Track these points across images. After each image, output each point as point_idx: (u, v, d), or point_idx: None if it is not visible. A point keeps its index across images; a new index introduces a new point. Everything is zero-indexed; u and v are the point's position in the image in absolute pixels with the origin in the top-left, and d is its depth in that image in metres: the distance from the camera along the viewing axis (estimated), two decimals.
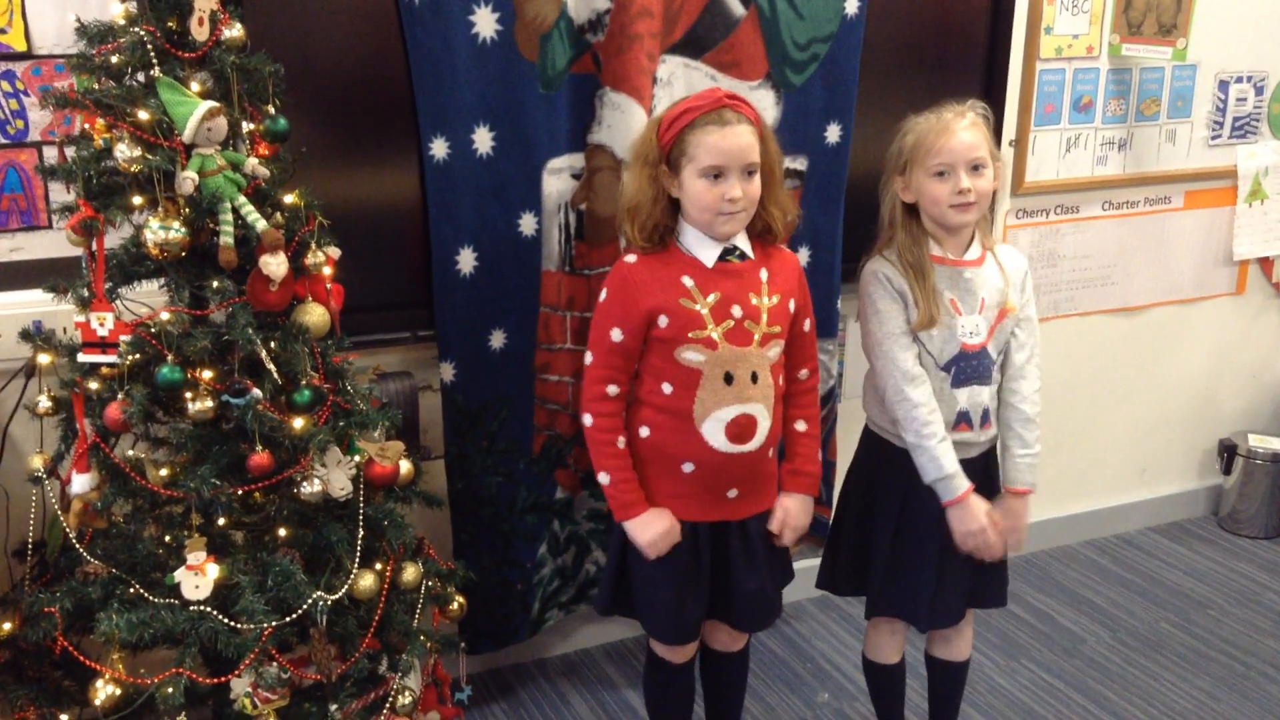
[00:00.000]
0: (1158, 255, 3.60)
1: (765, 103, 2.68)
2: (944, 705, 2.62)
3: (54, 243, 2.29)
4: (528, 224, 2.56)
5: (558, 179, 2.57)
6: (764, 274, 2.20)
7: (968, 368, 2.28)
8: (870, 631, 2.56)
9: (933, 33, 3.05)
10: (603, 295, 2.21)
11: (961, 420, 2.29)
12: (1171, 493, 3.96)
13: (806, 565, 3.18)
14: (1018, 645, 3.18)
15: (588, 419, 2.22)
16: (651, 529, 2.20)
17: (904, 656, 2.56)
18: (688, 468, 2.20)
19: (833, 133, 2.79)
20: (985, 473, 2.40)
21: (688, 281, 2.15)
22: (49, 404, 2.05)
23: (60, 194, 2.20)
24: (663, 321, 2.14)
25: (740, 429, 2.17)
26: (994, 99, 3.15)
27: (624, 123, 2.50)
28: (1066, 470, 3.70)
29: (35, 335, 2.08)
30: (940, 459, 2.26)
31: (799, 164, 2.78)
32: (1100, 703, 2.92)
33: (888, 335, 2.28)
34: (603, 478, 2.22)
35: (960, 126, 2.21)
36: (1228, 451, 3.88)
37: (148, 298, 2.05)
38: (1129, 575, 3.60)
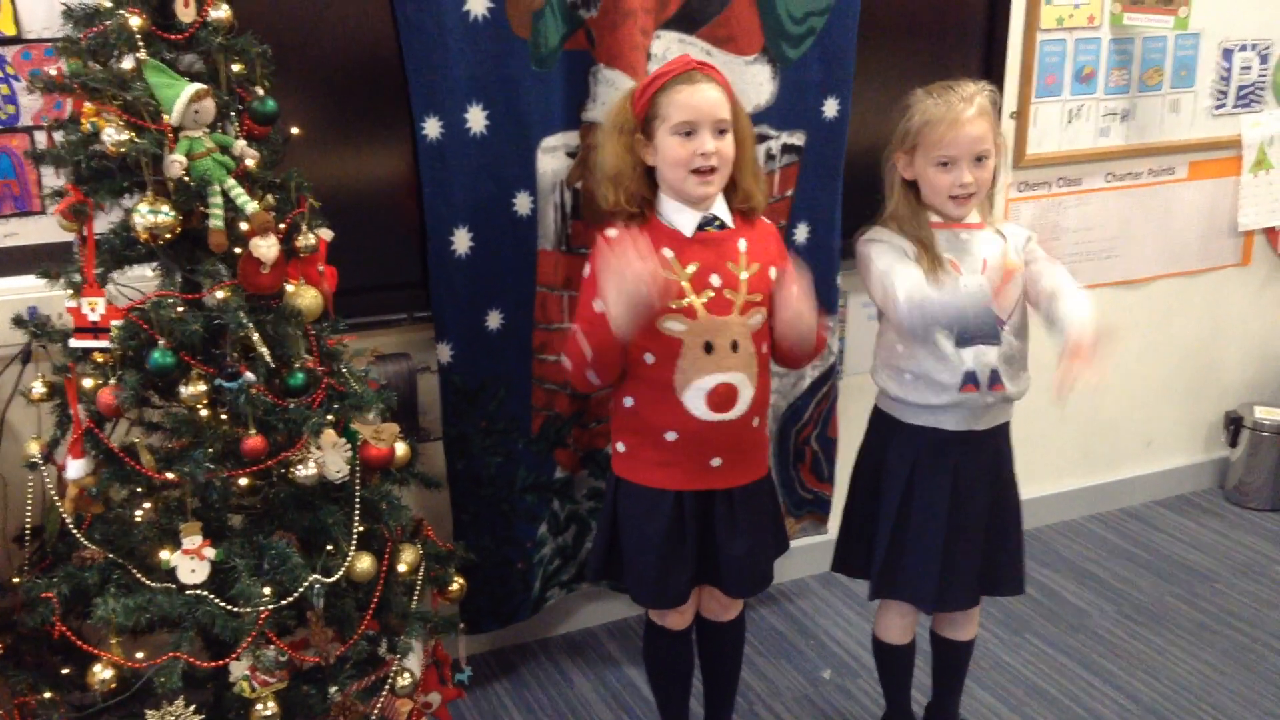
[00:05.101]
0: (1162, 227, 3.57)
1: (761, 77, 2.66)
2: (948, 683, 2.61)
3: (48, 228, 2.27)
4: (523, 203, 2.55)
5: (552, 157, 2.55)
6: (743, 243, 2.21)
7: (971, 326, 2.26)
8: (881, 611, 2.55)
9: (931, 4, 3.02)
10: (585, 270, 2.23)
11: (968, 381, 2.27)
12: (1177, 466, 3.94)
13: (808, 542, 3.20)
14: (1022, 620, 3.18)
15: (566, 361, 2.22)
16: (623, 266, 2.01)
17: (914, 638, 2.55)
18: (670, 436, 2.21)
19: (830, 107, 2.77)
20: (996, 454, 2.38)
21: (667, 253, 2.16)
22: (43, 390, 2.05)
23: (52, 179, 2.19)
24: None
25: (721, 398, 2.17)
26: (994, 71, 3.12)
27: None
28: (1071, 444, 3.69)
29: (29, 321, 2.08)
30: (956, 292, 2.19)
31: (796, 139, 2.76)
32: (1105, 677, 2.92)
33: (891, 264, 2.21)
34: (584, 347, 2.15)
35: (968, 118, 2.19)
36: (1234, 424, 3.86)
37: (141, 282, 2.04)
38: (1134, 549, 3.59)
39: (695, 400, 2.18)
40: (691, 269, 2.16)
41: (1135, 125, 3.39)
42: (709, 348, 2.16)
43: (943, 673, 2.61)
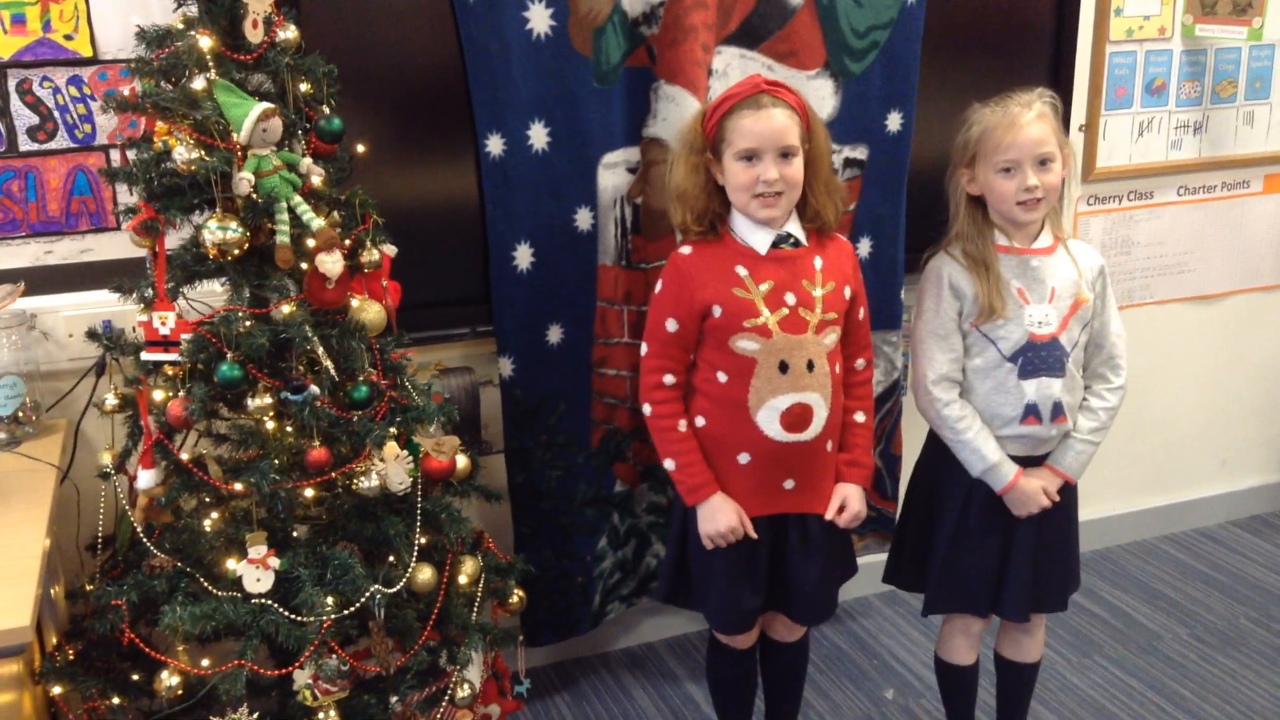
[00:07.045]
0: (1236, 241, 3.49)
1: (824, 92, 2.65)
2: (1012, 706, 2.57)
3: (121, 244, 2.34)
4: (584, 219, 2.56)
5: (613, 173, 2.57)
6: (818, 261, 2.19)
7: (1036, 359, 2.23)
8: (944, 630, 2.51)
9: (997, 16, 2.99)
10: (658, 286, 2.23)
11: (1029, 413, 2.24)
12: (1252, 485, 3.84)
13: (873, 560, 3.15)
14: (1091, 642, 3.11)
15: (647, 408, 2.24)
16: (718, 521, 2.19)
17: (978, 658, 2.51)
18: (743, 459, 2.19)
19: (894, 121, 2.75)
20: None
21: (741, 270, 2.15)
22: (116, 402, 2.10)
23: (126, 196, 2.25)
24: (716, 311, 2.14)
25: (795, 418, 2.15)
26: (1062, 83, 3.08)
27: (679, 115, 2.48)
28: (1143, 463, 3.61)
29: (104, 334, 2.13)
30: (981, 449, 2.24)
31: (859, 153, 2.74)
32: (1176, 701, 2.85)
33: (930, 334, 2.27)
34: (668, 464, 2.23)
35: (1026, 120, 2.17)
36: None
37: (210, 297, 2.08)
38: (1208, 570, 3.51)
39: (769, 420, 2.16)
40: (765, 287, 2.14)
41: (1208, 138, 3.33)
42: (783, 367, 2.14)
43: (1007, 695, 2.56)
